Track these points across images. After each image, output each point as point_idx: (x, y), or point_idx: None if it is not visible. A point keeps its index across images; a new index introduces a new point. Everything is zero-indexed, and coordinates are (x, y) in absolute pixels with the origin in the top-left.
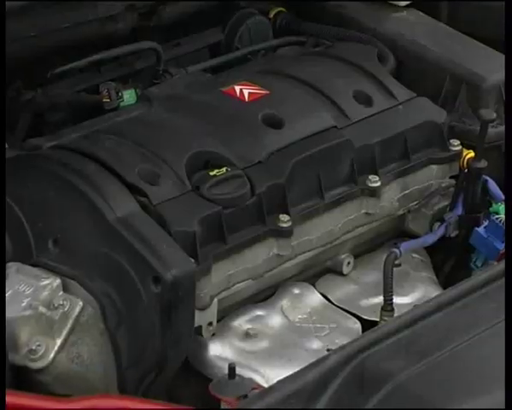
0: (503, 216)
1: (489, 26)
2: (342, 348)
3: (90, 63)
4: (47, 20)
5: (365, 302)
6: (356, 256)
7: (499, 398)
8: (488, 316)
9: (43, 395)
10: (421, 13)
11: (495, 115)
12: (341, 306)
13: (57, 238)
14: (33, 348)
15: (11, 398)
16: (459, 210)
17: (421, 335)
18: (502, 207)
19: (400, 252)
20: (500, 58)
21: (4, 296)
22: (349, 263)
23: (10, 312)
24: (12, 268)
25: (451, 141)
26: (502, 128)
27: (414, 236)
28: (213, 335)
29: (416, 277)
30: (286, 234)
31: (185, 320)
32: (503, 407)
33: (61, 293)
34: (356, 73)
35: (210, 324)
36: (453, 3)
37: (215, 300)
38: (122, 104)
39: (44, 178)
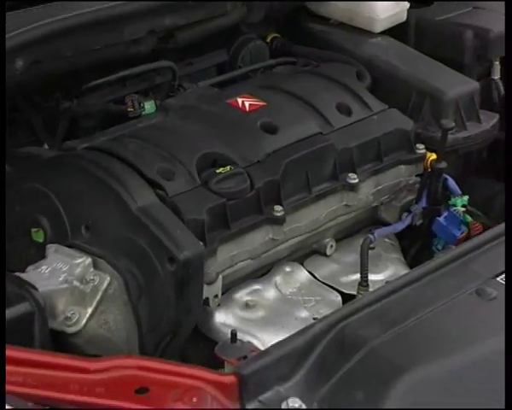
0: (459, 208)
1: (448, 49)
2: (326, 317)
3: (117, 79)
4: (82, 42)
5: (345, 279)
6: (337, 240)
7: (457, 360)
8: (448, 291)
9: (76, 356)
10: (392, 38)
11: (453, 124)
12: (325, 282)
13: (89, 224)
14: (68, 315)
15: (50, 358)
16: (423, 203)
17: (391, 307)
18: (459, 201)
19: (374, 237)
20: (457, 76)
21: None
22: (332, 246)
23: (50, 285)
24: (51, 249)
25: (417, 145)
26: (459, 135)
27: (386, 224)
28: (218, 305)
29: (388, 258)
30: (279, 222)
31: (195, 293)
32: (459, 367)
33: (92, 270)
34: (338, 88)
35: (216, 296)
36: (419, 31)
37: (220, 276)
38: (143, 113)
39: (78, 174)
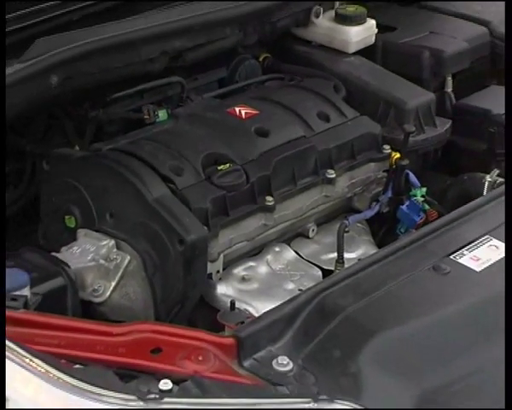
0: (419, 198)
1: (409, 66)
2: (309, 289)
3: (135, 91)
4: (106, 61)
5: (325, 257)
6: (318, 225)
7: (417, 324)
8: (410, 267)
9: (101, 322)
10: (363, 58)
11: (414, 129)
12: (308, 259)
13: (112, 212)
14: (96, 288)
15: (80, 323)
16: (389, 193)
17: (363, 280)
18: (418, 192)
19: (349, 222)
20: (417, 89)
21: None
22: (313, 230)
23: (80, 263)
24: (81, 233)
25: (384, 146)
26: (418, 137)
27: (358, 211)
28: (220, 279)
29: (360, 240)
30: (270, 210)
31: (200, 269)
32: (419, 330)
33: (115, 250)
34: (318, 99)
35: (218, 271)
36: (385, 52)
37: (221, 255)
38: (158, 120)
39: (103, 170)
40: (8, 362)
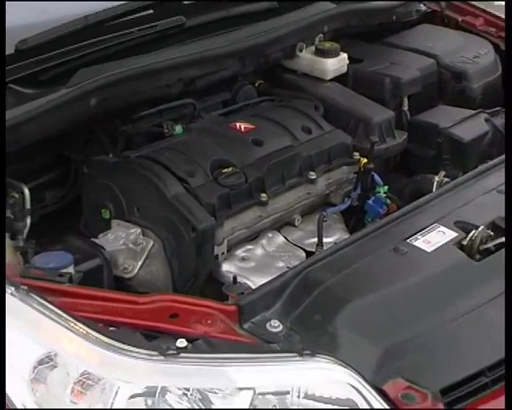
0: (382, 194)
1: (374, 90)
2: (295, 266)
3: (157, 111)
4: (134, 87)
5: (307, 241)
6: (302, 216)
7: (381, 293)
8: (375, 248)
9: (130, 293)
10: (338, 83)
11: (378, 139)
12: (294, 243)
13: (139, 206)
14: (126, 266)
15: (113, 294)
16: (358, 191)
17: (338, 259)
18: (382, 189)
19: (327, 214)
20: (380, 107)
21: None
22: (299, 220)
23: (113, 247)
24: (114, 223)
25: (354, 153)
26: (381, 146)
27: (334, 205)
28: (224, 259)
29: (335, 227)
30: (264, 204)
31: (209, 252)
32: (383, 298)
33: (141, 236)
34: (302, 116)
35: (223, 253)
36: (355, 79)
37: (225, 240)
38: (175, 133)
39: (132, 173)
40: (55, 325)
